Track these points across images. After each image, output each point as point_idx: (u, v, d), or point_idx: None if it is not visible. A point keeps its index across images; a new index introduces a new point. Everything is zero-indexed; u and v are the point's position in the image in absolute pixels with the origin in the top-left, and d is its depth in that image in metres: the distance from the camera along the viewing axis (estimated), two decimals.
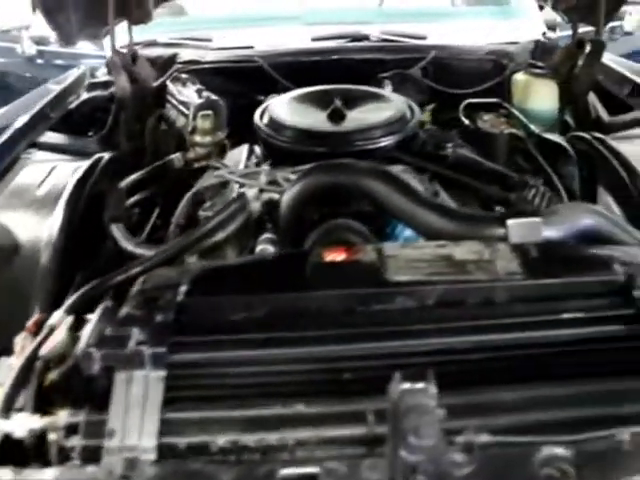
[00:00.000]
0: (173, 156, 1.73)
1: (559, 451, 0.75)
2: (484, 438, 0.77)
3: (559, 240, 1.04)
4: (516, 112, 1.91)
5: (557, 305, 0.90)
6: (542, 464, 0.72)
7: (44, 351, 0.91)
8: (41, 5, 1.72)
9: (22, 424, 0.84)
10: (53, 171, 1.54)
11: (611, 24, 2.80)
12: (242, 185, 1.33)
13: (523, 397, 0.82)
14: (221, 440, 0.80)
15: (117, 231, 1.33)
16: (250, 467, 0.76)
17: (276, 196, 1.26)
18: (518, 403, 0.81)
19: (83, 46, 2.81)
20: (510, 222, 1.02)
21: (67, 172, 1.54)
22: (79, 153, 1.78)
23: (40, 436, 0.84)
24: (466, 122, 1.89)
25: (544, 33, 2.36)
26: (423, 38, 2.22)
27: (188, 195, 1.46)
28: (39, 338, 0.95)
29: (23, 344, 0.98)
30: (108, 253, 1.38)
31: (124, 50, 1.90)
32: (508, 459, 0.74)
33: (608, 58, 2.09)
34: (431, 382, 0.73)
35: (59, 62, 2.66)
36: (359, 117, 1.50)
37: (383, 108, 1.55)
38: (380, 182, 1.10)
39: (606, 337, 0.88)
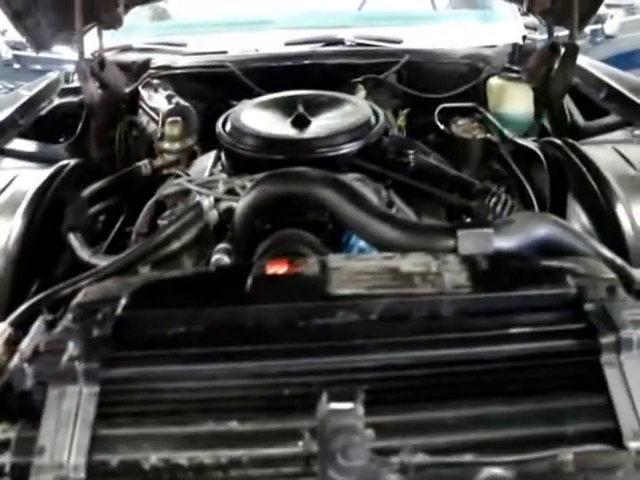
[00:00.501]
0: (140, 163, 1.72)
1: (499, 472, 0.74)
2: (420, 458, 0.75)
3: (512, 251, 1.02)
4: (490, 117, 1.90)
5: (505, 319, 0.89)
6: None
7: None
8: (8, 9, 1.70)
9: None
10: (16, 179, 1.53)
11: (592, 27, 2.80)
12: (200, 194, 1.31)
13: (464, 415, 0.80)
14: (153, 458, 0.79)
15: (74, 240, 1.32)
16: None
17: (235, 205, 1.25)
18: (459, 421, 0.79)
19: (62, 51, 2.79)
20: (460, 233, 1.00)
21: (30, 180, 1.52)
22: (47, 160, 1.77)
23: None
24: (441, 127, 1.88)
25: (524, 37, 2.34)
26: (399, 42, 2.21)
27: (149, 203, 1.44)
28: None
29: None
30: (66, 263, 1.36)
31: (92, 56, 1.88)
32: None
33: (586, 62, 2.08)
34: (359, 402, 0.71)
35: (37, 67, 2.65)
36: (323, 124, 1.49)
37: (348, 114, 1.54)
38: (331, 191, 1.09)
39: (554, 352, 0.86)
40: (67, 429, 0.81)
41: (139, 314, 0.90)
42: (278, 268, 0.91)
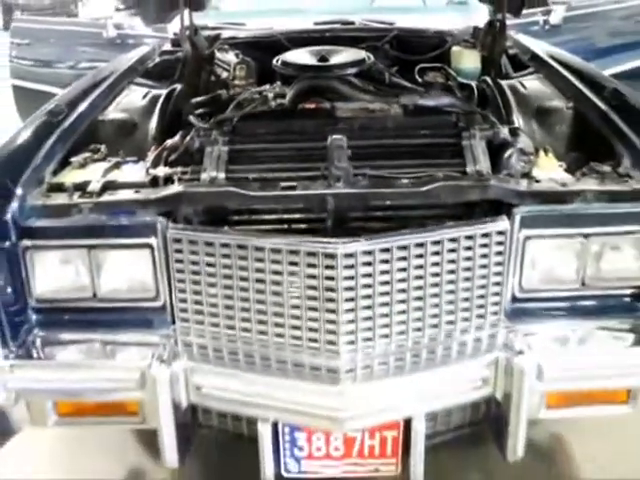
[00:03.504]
0: (220, 91, 2.80)
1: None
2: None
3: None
4: (451, 71, 2.96)
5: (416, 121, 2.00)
6: None
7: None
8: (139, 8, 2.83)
9: (160, 170, 1.93)
10: (149, 92, 2.64)
11: (541, 17, 3.86)
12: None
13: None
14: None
15: (193, 119, 2.39)
16: None
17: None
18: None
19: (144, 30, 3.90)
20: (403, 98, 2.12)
21: (157, 93, 2.63)
22: None
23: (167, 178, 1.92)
24: (419, 79, 2.94)
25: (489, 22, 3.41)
26: (392, 24, 3.29)
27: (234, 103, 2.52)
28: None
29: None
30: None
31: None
32: None
33: (524, 38, 3.17)
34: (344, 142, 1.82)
35: (130, 42, 3.78)
36: (336, 60, 2.56)
37: (352, 56, 2.61)
38: (339, 83, 2.21)
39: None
40: (214, 169, 1.90)
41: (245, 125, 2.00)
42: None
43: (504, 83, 2.65)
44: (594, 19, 3.99)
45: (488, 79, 2.75)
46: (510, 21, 3.54)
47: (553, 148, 2.14)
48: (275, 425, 1.76)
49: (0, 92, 4.58)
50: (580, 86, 2.37)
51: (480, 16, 3.49)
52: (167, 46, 3.34)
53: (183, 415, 1.81)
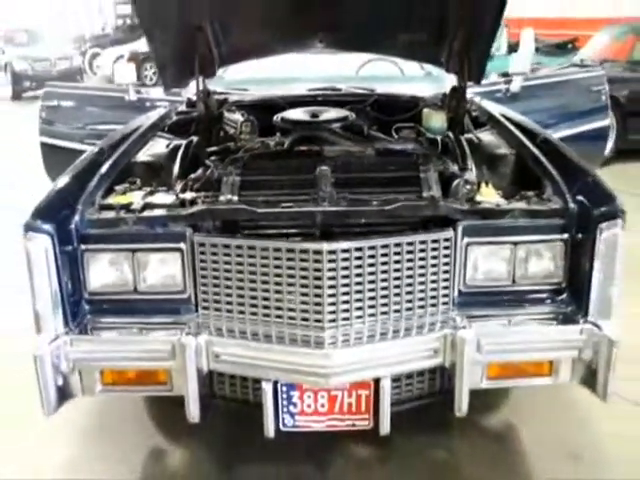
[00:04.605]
0: (229, 143, 3.43)
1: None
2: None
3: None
4: (422, 129, 3.60)
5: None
6: None
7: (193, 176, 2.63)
8: (159, 63, 3.48)
9: (187, 195, 2.53)
10: (172, 141, 3.26)
11: (504, 86, 4.54)
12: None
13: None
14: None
15: (208, 161, 3.00)
16: None
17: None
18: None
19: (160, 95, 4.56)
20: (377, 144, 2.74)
21: (176, 144, 3.25)
22: None
23: (192, 201, 2.51)
24: (395, 135, 3.58)
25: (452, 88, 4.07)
26: (373, 90, 3.95)
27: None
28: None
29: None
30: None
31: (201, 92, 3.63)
32: None
33: (484, 101, 3.84)
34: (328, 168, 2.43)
35: (147, 104, 4.44)
36: (325, 117, 3.20)
37: (337, 114, 3.24)
38: (326, 133, 2.84)
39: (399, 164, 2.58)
40: (230, 193, 2.50)
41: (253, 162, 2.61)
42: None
43: (464, 137, 3.29)
44: (549, 88, 4.69)
45: (451, 134, 3.39)
46: (478, 89, 4.25)
47: (499, 184, 2.75)
48: (275, 385, 2.31)
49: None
50: (521, 137, 3.01)
51: (450, 84, 4.16)
52: (182, 107, 3.99)
53: (203, 383, 2.35)
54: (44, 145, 4.75)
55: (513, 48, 10.64)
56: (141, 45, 16.67)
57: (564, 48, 11.91)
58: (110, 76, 17.28)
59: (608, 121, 4.74)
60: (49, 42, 17.93)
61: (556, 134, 4.14)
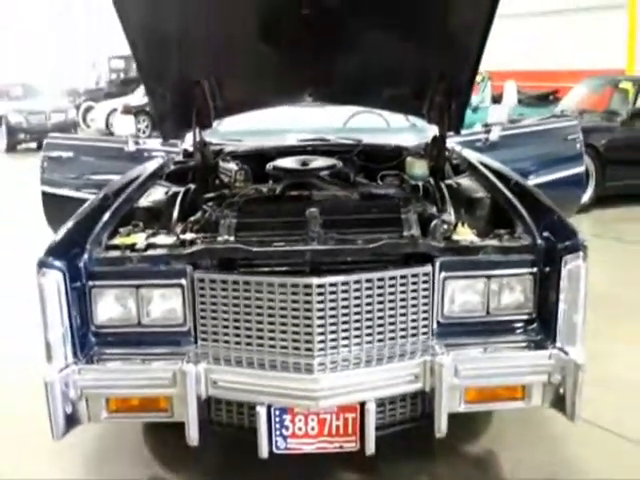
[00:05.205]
0: (225, 190, 3.67)
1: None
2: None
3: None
4: (405, 176, 3.87)
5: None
6: None
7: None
8: (157, 114, 3.74)
9: (188, 236, 2.76)
10: (171, 188, 3.50)
11: (483, 136, 4.84)
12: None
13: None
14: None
15: (205, 206, 3.24)
16: None
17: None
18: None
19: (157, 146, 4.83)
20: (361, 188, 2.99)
21: (175, 191, 3.49)
22: None
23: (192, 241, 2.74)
24: (379, 182, 3.85)
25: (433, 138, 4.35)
26: (359, 140, 4.23)
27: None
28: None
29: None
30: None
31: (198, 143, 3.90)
32: None
33: (464, 150, 4.13)
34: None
35: (145, 155, 4.72)
36: (314, 165, 3.46)
37: (325, 162, 3.51)
38: (315, 179, 3.09)
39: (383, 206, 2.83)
40: (227, 234, 2.73)
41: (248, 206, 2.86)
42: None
43: (444, 183, 3.55)
44: (526, 137, 5.00)
45: (432, 180, 3.65)
46: (460, 138, 4.54)
47: (475, 224, 3.00)
48: (269, 409, 2.50)
49: None
50: (495, 182, 3.27)
51: (432, 135, 4.45)
52: (179, 157, 4.26)
53: (201, 409, 2.55)
54: (45, 194, 4.98)
55: (497, 100, 11.10)
56: (134, 98, 17.21)
57: (545, 99, 12.39)
58: (103, 129, 17.76)
59: (583, 168, 5.02)
60: (44, 95, 18.38)
61: (534, 181, 4.48)
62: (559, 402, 2.58)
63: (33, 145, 15.80)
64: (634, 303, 5.13)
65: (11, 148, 16.23)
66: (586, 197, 7.69)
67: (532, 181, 4.40)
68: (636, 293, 5.34)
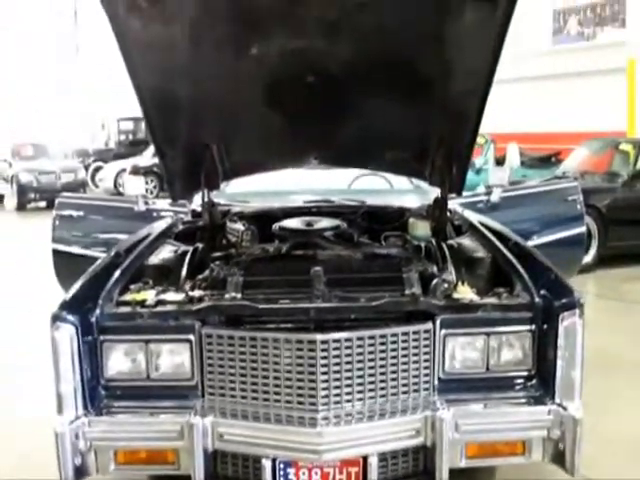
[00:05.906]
0: (231, 250, 3.79)
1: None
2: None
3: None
4: (408, 237, 3.98)
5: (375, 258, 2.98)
6: None
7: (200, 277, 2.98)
8: (168, 175, 3.90)
9: (196, 293, 2.87)
10: (179, 248, 3.63)
11: (485, 197, 4.98)
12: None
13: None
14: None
15: (213, 265, 3.35)
16: None
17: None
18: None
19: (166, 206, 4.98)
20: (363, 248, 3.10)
21: (183, 250, 3.61)
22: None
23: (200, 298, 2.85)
24: (383, 242, 3.97)
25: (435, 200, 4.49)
26: (363, 202, 4.37)
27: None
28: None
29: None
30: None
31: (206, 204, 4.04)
32: None
33: (466, 211, 4.25)
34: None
35: (154, 215, 4.87)
36: (319, 226, 3.58)
37: (330, 223, 3.64)
38: (320, 240, 3.21)
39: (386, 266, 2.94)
40: (234, 291, 2.84)
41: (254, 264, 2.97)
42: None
43: (446, 243, 3.67)
44: (527, 198, 5.14)
45: (434, 241, 3.77)
46: (462, 200, 4.68)
47: (475, 283, 3.11)
48: (274, 462, 2.57)
49: None
50: (495, 242, 3.39)
51: (434, 196, 4.59)
52: (188, 217, 4.39)
53: (207, 462, 2.62)
54: (56, 252, 5.11)
55: (500, 162, 11.32)
56: (142, 159, 17.56)
57: (547, 161, 12.57)
58: (112, 188, 18.07)
59: (584, 228, 5.14)
60: (54, 156, 18.79)
61: (535, 241, 4.60)
62: (559, 457, 2.64)
63: (43, 204, 16.14)
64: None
65: (21, 207, 16.56)
66: (589, 257, 7.83)
67: (534, 241, 4.54)
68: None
